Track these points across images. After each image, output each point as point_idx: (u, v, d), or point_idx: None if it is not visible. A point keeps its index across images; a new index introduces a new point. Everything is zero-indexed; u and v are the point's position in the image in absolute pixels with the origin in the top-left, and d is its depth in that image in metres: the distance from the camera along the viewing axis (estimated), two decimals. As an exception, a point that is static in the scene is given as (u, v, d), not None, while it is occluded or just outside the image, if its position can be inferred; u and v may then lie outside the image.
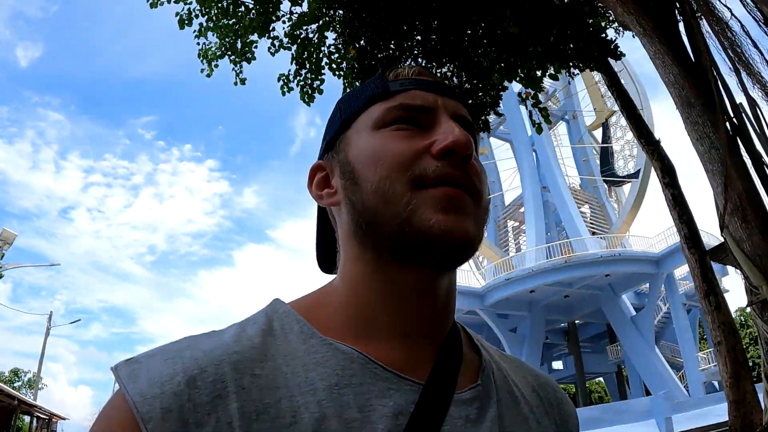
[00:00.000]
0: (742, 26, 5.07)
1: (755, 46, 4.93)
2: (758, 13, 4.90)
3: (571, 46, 7.61)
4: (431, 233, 0.66)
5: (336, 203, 0.77)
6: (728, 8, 5.27)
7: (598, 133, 42.08)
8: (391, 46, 8.27)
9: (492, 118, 17.14)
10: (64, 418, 30.76)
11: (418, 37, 8.34)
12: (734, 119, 4.95)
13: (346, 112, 0.80)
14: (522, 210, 37.51)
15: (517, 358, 0.89)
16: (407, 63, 8.39)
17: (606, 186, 40.22)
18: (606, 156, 39.79)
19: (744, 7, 4.97)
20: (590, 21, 7.55)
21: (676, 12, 5.29)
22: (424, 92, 0.76)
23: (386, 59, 8.17)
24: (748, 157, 4.86)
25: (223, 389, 0.60)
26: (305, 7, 8.02)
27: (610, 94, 26.42)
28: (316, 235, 0.90)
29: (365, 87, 0.80)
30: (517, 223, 40.98)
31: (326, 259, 0.88)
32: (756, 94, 4.97)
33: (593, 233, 35.50)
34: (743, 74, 5.01)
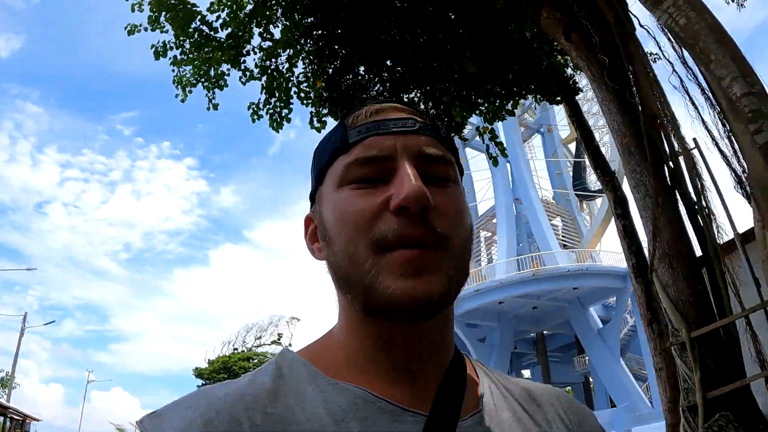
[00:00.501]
0: (682, 82, 5.42)
1: (692, 102, 5.28)
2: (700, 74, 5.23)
3: (530, 80, 7.94)
4: (393, 300, 0.67)
5: (324, 258, 0.79)
6: (671, 63, 5.62)
7: (573, 147, 42.62)
8: (360, 72, 8.54)
9: (468, 128, 17.50)
10: (37, 420, 30.65)
11: (388, 62, 8.59)
12: (674, 169, 5.28)
13: (317, 166, 0.82)
14: (494, 221, 37.92)
15: (523, 379, 0.92)
16: (376, 88, 8.66)
17: (578, 199, 40.82)
18: (579, 170, 40.35)
19: (685, 67, 5.32)
20: (550, 59, 7.86)
21: (625, 62, 5.60)
22: (383, 137, 0.75)
23: (354, 86, 8.45)
24: (684, 206, 5.20)
25: (238, 427, 0.65)
26: (277, 35, 8.29)
27: (585, 109, 26.94)
28: None
29: (329, 138, 0.81)
30: (489, 234, 41.41)
31: None
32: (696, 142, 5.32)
33: (565, 246, 36.05)
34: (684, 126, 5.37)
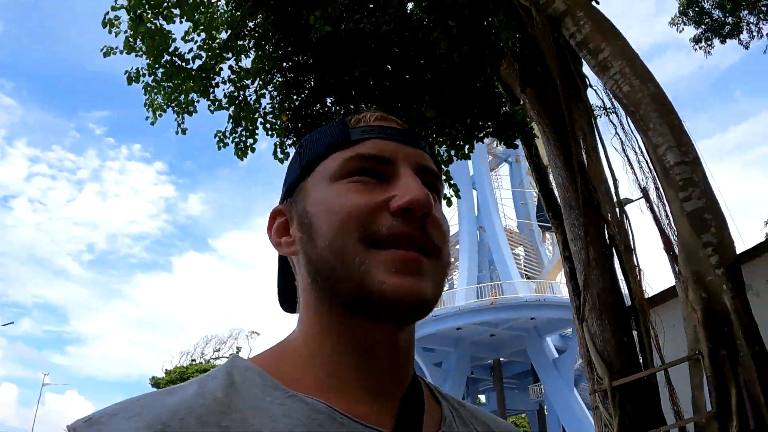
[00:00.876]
0: (623, 145, 5.76)
1: (630, 166, 5.64)
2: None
3: (489, 123, 8.27)
4: (384, 296, 0.65)
5: (294, 253, 0.77)
6: (614, 125, 5.97)
7: (539, 178, 43.08)
8: (327, 104, 8.81)
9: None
10: (-7, 423, 30.20)
11: (354, 93, 8.85)
12: (610, 227, 5.62)
13: (306, 158, 0.79)
14: (457, 247, 38.30)
15: (476, 406, 0.91)
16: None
17: (541, 230, 41.38)
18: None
19: (623, 131, 5.67)
20: (511, 104, 8.20)
21: (567, 125, 5.92)
22: (385, 141, 0.75)
23: (319, 117, 8.71)
24: (619, 262, 5.53)
25: None
26: (248, 64, 8.59)
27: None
28: (278, 275, 0.88)
29: (325, 133, 0.79)
30: (452, 259, 41.67)
31: (287, 299, 0.87)
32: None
33: (527, 275, 36.56)
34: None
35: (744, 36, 16.57)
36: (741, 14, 16.31)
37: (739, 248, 5.12)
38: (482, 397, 43.85)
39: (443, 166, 8.27)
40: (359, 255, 0.67)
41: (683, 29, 16.88)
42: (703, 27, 16.55)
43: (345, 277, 0.67)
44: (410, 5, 7.78)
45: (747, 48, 16.83)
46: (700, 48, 16.85)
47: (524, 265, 38.39)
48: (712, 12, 16.46)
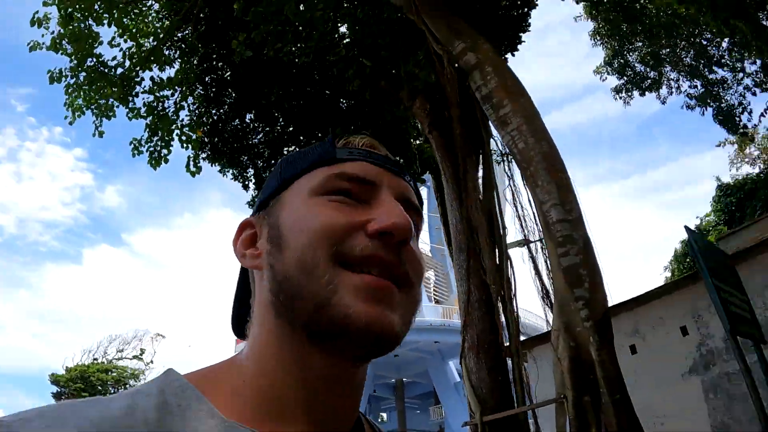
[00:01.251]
0: (514, 198, 6.14)
1: (519, 218, 6.02)
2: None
3: (398, 157, 8.56)
4: (348, 323, 0.61)
5: (258, 267, 0.73)
6: (509, 176, 6.34)
7: (457, 204, 43.87)
8: (246, 120, 8.94)
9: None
10: None
11: (274, 116, 9.01)
12: (491, 275, 5.95)
13: (286, 172, 0.76)
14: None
15: None
16: (258, 137, 9.09)
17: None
18: (458, 228, 41.60)
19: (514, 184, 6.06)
20: (418, 142, 8.53)
21: (461, 176, 6.24)
22: (371, 165, 0.73)
23: (236, 133, 8.83)
24: (502, 307, 5.86)
25: None
26: (171, 74, 8.68)
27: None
28: (235, 296, 0.84)
29: (311, 150, 0.77)
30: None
31: (242, 324, 0.80)
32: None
33: (436, 300, 37.16)
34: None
35: (663, 91, 17.47)
36: (663, 70, 17.17)
37: (641, 288, 5.47)
38: (384, 415, 44.09)
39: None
40: (328, 273, 0.64)
41: (606, 78, 17.64)
42: (625, 78, 17.34)
43: (310, 295, 0.64)
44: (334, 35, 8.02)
45: (664, 103, 17.74)
46: (620, 98, 17.65)
47: (434, 289, 38.96)
48: (635, 65, 17.28)
